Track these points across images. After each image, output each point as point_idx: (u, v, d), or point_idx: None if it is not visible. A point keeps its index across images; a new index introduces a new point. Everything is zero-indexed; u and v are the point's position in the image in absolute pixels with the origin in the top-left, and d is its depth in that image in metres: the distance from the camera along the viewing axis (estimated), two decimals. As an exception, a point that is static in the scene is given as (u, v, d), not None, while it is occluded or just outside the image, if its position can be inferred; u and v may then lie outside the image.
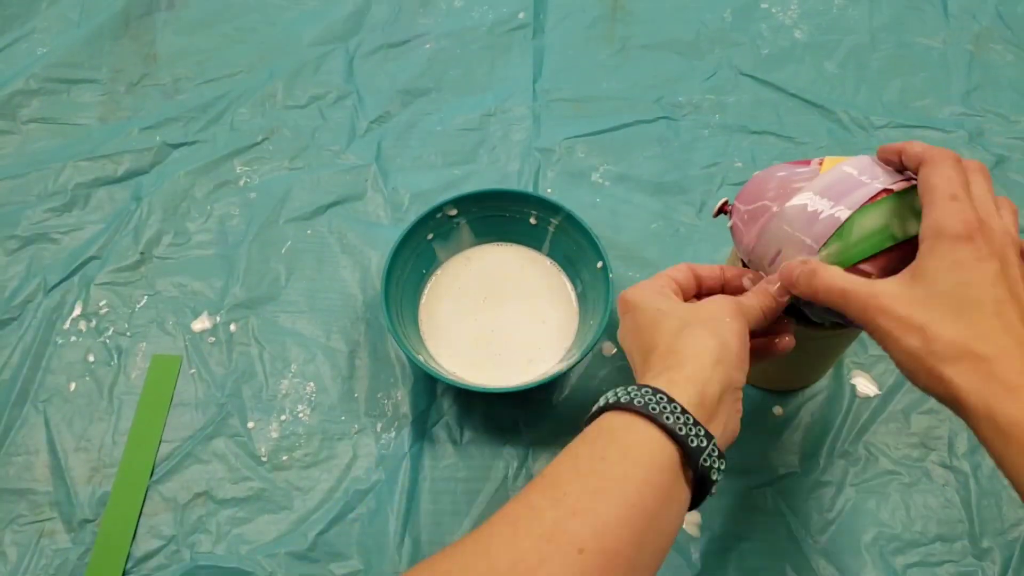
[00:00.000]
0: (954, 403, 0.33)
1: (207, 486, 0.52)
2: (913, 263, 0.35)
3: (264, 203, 0.65)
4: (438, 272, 0.60)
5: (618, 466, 0.32)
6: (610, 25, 0.77)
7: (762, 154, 0.68)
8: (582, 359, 0.52)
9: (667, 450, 0.33)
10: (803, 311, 0.44)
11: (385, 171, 0.67)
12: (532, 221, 0.59)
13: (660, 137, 0.69)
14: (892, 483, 0.52)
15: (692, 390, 0.35)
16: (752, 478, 0.52)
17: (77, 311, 0.60)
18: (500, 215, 0.60)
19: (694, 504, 0.35)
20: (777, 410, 0.55)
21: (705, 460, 0.34)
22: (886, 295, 0.35)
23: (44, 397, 0.56)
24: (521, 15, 0.77)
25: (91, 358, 0.58)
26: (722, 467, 0.35)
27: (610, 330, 0.58)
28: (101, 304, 0.60)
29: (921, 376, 0.34)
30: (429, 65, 0.74)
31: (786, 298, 0.40)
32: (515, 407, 0.55)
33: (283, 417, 0.55)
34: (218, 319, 0.59)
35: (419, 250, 0.58)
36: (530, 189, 0.66)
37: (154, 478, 0.52)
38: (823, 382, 0.56)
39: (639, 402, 0.33)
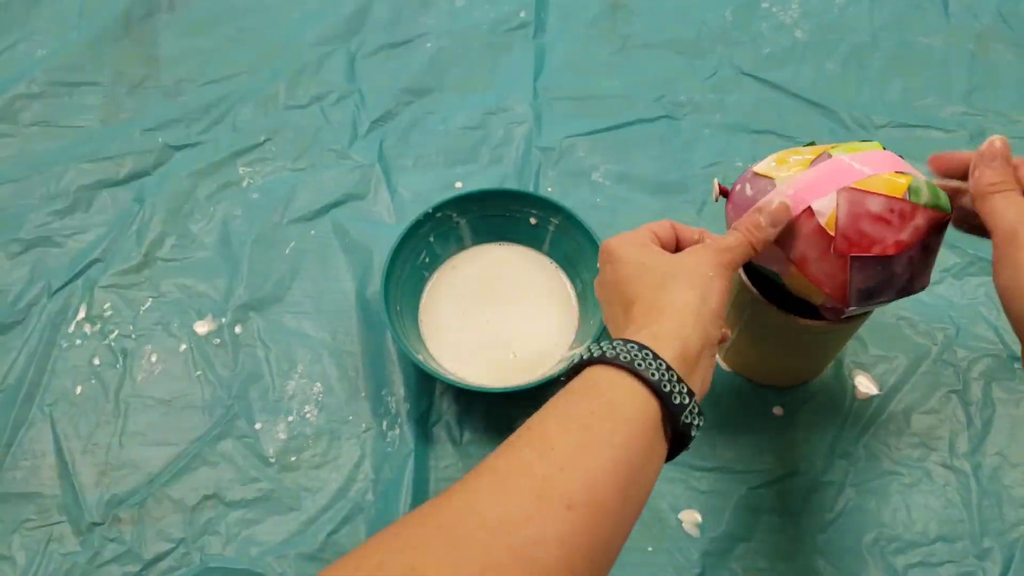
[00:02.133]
0: None
1: (216, 488, 0.52)
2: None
3: (267, 204, 0.66)
4: (438, 272, 0.60)
5: (605, 421, 0.32)
6: (611, 24, 0.77)
7: (763, 153, 0.66)
8: (585, 361, 0.52)
9: (651, 406, 0.33)
10: (796, 303, 0.45)
11: (387, 171, 0.68)
12: (532, 221, 0.60)
13: (661, 136, 0.69)
14: (893, 483, 0.52)
15: (675, 345, 0.35)
16: (752, 478, 0.52)
17: (81, 314, 0.60)
18: (500, 215, 0.60)
19: (669, 458, 0.35)
20: (777, 410, 0.55)
21: (686, 417, 0.34)
22: None
23: (50, 401, 0.56)
24: (522, 14, 0.77)
25: (96, 361, 0.58)
26: (700, 424, 0.35)
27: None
28: (105, 307, 0.60)
29: None
30: (430, 64, 0.74)
31: (776, 229, 0.41)
32: (515, 407, 0.55)
33: (290, 418, 0.55)
34: (223, 321, 0.60)
35: (419, 250, 0.58)
36: (531, 188, 0.66)
37: (162, 481, 0.53)
38: (823, 382, 0.56)
39: (625, 357, 0.33)
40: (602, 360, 0.34)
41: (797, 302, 0.46)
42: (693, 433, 0.35)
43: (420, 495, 0.52)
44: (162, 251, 0.63)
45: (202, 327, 0.59)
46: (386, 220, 0.65)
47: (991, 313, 0.59)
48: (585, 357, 0.35)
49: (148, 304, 0.61)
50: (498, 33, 0.76)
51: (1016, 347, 0.57)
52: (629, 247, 0.40)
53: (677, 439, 0.35)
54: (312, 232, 0.64)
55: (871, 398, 0.55)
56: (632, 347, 0.34)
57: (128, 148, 0.68)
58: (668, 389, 0.33)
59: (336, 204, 0.66)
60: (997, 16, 0.75)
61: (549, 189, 0.66)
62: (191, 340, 0.59)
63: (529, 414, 0.55)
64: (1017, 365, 0.56)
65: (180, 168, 0.67)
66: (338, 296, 0.61)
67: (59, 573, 0.50)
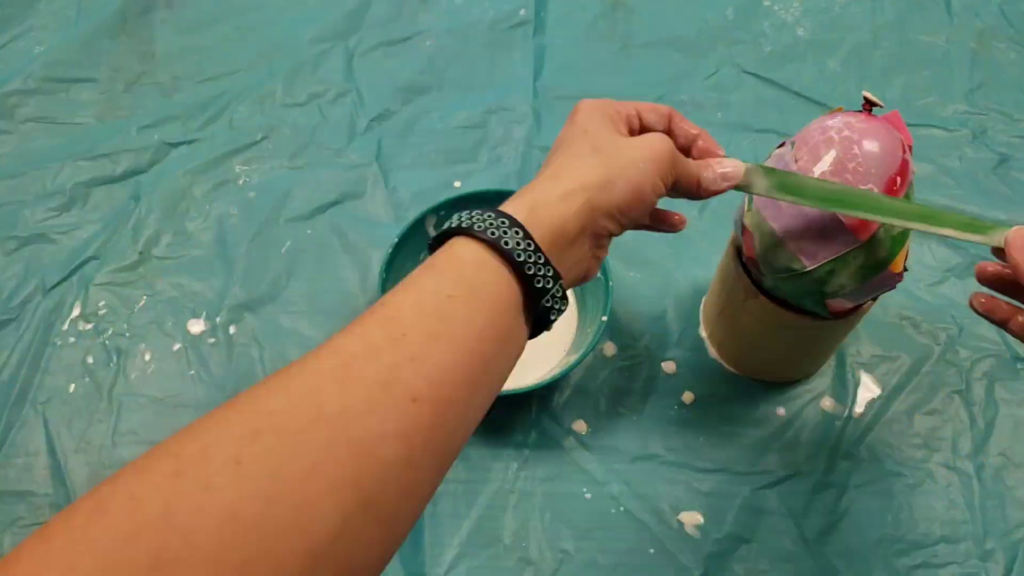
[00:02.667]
0: None
1: (208, 488, 0.52)
2: None
3: (264, 202, 0.65)
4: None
5: (463, 308, 0.30)
6: (611, 23, 0.76)
7: (765, 152, 0.67)
8: (582, 360, 0.52)
9: (513, 289, 0.31)
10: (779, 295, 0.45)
11: (386, 170, 0.67)
12: None
13: (661, 135, 0.69)
14: (895, 484, 0.51)
15: (553, 222, 0.32)
16: (755, 479, 0.52)
17: (76, 312, 0.59)
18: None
19: (529, 338, 0.34)
20: (780, 411, 0.55)
21: (547, 301, 0.32)
22: None
23: (43, 399, 0.56)
24: (522, 12, 0.77)
25: (90, 359, 0.57)
26: (563, 308, 0.34)
27: (610, 331, 0.58)
28: (100, 305, 0.60)
29: None
30: (429, 62, 0.74)
31: (725, 185, 0.39)
32: (515, 409, 0.55)
33: (284, 418, 0.55)
34: (218, 320, 0.59)
35: (418, 250, 0.58)
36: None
37: (154, 480, 0.52)
38: (825, 382, 0.55)
39: (492, 233, 0.31)
40: (470, 232, 0.31)
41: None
42: (553, 318, 0.33)
43: (417, 495, 0.52)
44: (157, 249, 0.63)
45: (196, 326, 0.59)
46: (384, 219, 0.64)
47: (994, 313, 0.58)
48: (454, 225, 0.32)
49: (143, 303, 0.60)
50: (498, 31, 0.76)
51: (1018, 347, 0.56)
52: (594, 113, 0.37)
53: (537, 322, 0.34)
54: (309, 231, 0.64)
55: (874, 399, 0.55)
56: (503, 222, 0.31)
57: (124, 145, 0.68)
58: (532, 272, 0.31)
59: (333, 203, 0.65)
60: (999, 14, 0.75)
61: (548, 188, 0.66)
62: (185, 339, 0.58)
63: (529, 416, 0.55)
64: (1020, 365, 0.56)
65: (176, 166, 0.67)
66: (334, 296, 0.60)
67: (50, 573, 0.49)
